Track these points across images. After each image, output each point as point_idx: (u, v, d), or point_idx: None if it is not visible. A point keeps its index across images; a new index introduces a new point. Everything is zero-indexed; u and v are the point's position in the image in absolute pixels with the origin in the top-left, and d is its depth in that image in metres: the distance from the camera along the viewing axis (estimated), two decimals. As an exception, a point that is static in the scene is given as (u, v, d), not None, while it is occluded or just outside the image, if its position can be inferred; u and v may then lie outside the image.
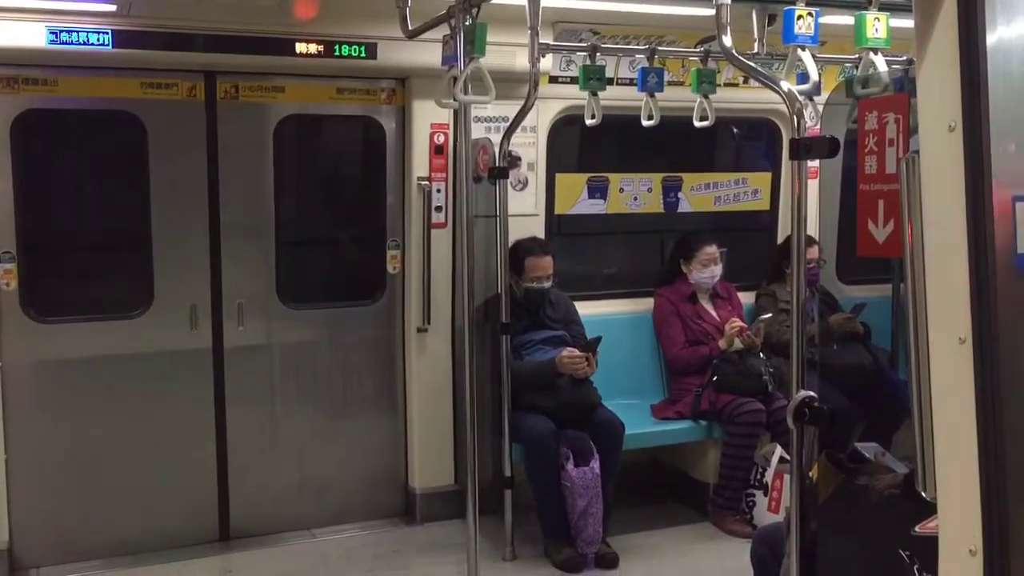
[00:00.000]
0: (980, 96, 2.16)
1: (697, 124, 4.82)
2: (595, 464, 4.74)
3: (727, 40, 3.17)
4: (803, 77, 3.58)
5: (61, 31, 4.27)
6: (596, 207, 5.74)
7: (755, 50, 4.66)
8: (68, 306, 4.86)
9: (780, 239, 6.09)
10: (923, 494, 2.31)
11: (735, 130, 6.29)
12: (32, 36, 4.26)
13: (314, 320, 5.25)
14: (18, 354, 4.64)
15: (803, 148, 2.89)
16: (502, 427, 4.80)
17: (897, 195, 2.61)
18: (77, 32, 4.30)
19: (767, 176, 6.15)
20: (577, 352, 4.82)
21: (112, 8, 4.33)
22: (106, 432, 4.84)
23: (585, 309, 5.46)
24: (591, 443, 4.79)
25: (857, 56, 3.76)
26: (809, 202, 5.57)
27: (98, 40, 4.34)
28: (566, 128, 5.52)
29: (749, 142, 6.35)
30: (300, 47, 4.72)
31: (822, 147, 2.86)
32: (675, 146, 5.81)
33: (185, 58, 4.62)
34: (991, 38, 2.16)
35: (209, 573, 4.85)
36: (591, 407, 4.93)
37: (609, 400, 5.09)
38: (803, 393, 2.98)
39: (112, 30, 4.37)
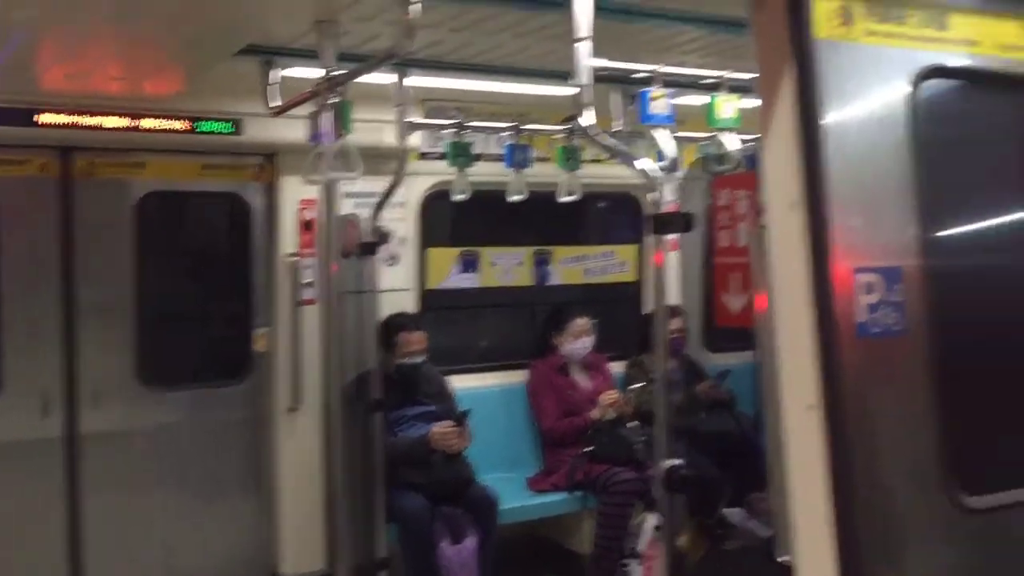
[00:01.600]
0: (819, 174, 2.29)
1: (562, 199, 4.93)
2: (471, 541, 4.67)
3: (586, 119, 3.27)
4: (660, 155, 3.73)
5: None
6: (468, 281, 5.77)
7: (616, 128, 4.85)
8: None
9: (647, 310, 6.24)
10: (779, 559, 2.37)
11: (602, 204, 6.46)
12: None
13: (177, 402, 5.05)
14: None
15: (661, 223, 2.99)
16: (375, 506, 4.69)
17: (749, 268, 2.72)
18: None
19: (633, 248, 6.32)
20: (449, 426, 4.79)
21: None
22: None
23: (459, 383, 5.45)
24: (466, 519, 4.73)
25: (713, 134, 3.95)
26: (672, 273, 5.80)
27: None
28: (437, 203, 5.56)
29: (616, 216, 6.53)
30: (161, 123, 4.63)
31: (679, 222, 2.96)
32: (545, 220, 5.92)
33: (37, 134, 4.46)
34: (828, 120, 2.30)
35: None
36: (466, 482, 4.88)
37: (485, 474, 5.06)
38: (671, 461, 3.02)
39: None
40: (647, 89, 3.49)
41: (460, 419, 4.83)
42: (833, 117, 2.30)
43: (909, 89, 2.38)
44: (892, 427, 2.34)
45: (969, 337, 2.43)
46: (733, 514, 4.58)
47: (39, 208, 4.66)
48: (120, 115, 4.56)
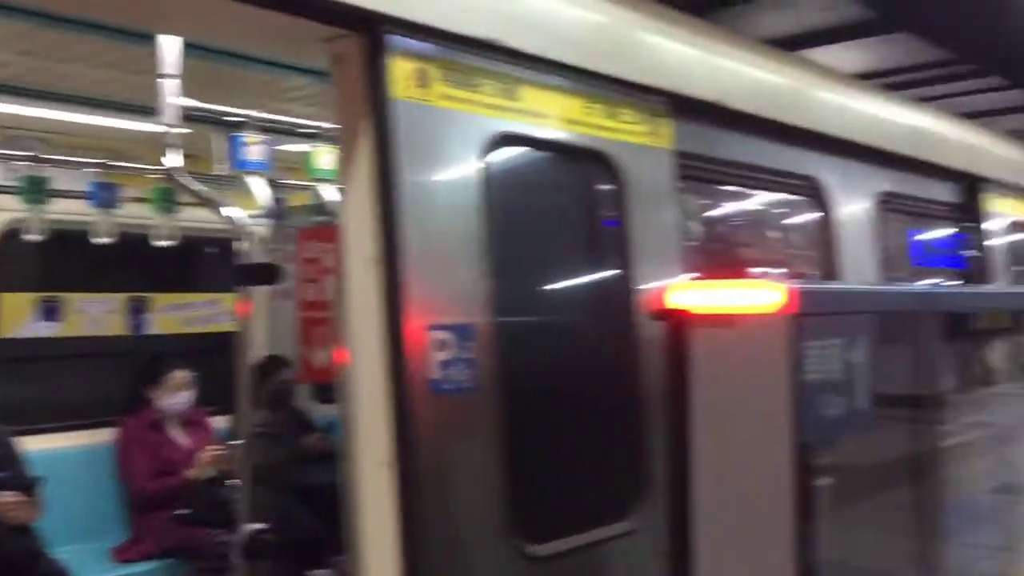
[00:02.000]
0: (396, 232, 2.31)
1: (157, 244, 4.61)
2: (36, 625, 4.13)
3: (171, 161, 3.07)
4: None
5: None
6: (49, 329, 5.19)
7: (217, 171, 4.63)
8: None
9: (253, 361, 6.01)
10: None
11: (209, 250, 6.15)
12: None
13: None
14: None
15: (245, 274, 2.86)
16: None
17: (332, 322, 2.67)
18: None
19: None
20: (14, 496, 4.22)
21: None
22: None
23: (36, 444, 4.84)
24: (32, 600, 4.18)
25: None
26: (258, 323, 5.58)
27: None
28: (14, 243, 4.94)
29: (223, 262, 6.24)
30: None
31: (264, 274, 2.86)
32: (143, 265, 5.50)
33: None
34: (406, 178, 2.32)
35: None
36: (32, 557, 4.31)
37: (61, 546, 4.51)
38: (252, 526, 2.87)
39: None
40: (239, 134, 3.36)
41: (29, 487, 4.28)
42: (411, 175, 2.33)
43: (482, 153, 2.49)
44: (463, 481, 2.39)
45: (534, 392, 2.57)
46: (326, 573, 4.48)
47: None
48: None
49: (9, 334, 5.05)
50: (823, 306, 2.23)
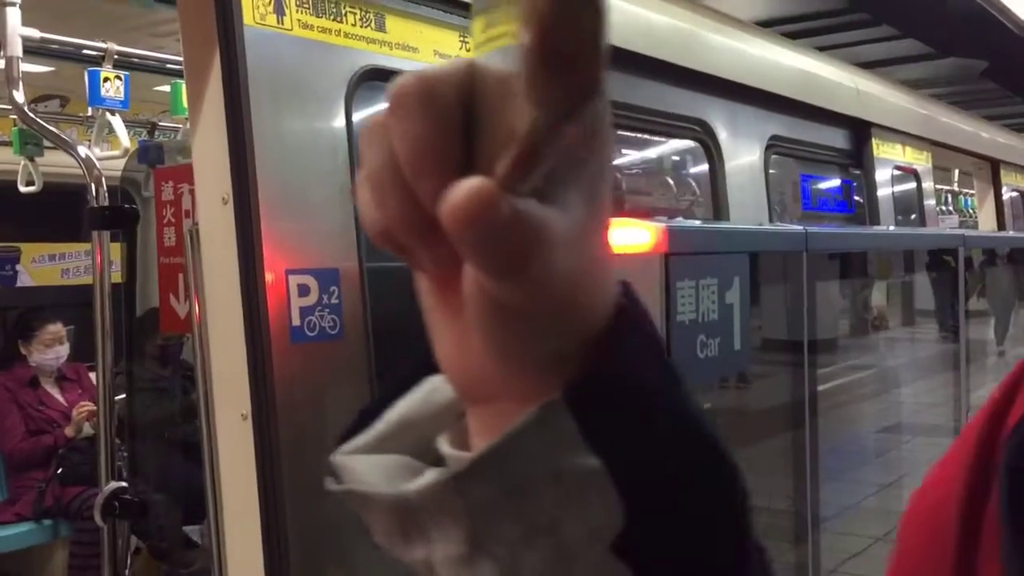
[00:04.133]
0: (250, 170, 2.16)
1: (23, 190, 4.32)
2: None
3: (18, 96, 2.85)
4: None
5: None
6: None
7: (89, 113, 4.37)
8: None
9: (138, 313, 5.76)
10: (211, 580, 2.21)
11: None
12: None
13: None
14: None
15: (98, 218, 2.68)
16: None
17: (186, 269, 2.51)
18: None
19: (123, 247, 5.79)
20: None
21: None
22: None
23: None
24: None
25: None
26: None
27: None
28: None
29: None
30: None
31: (117, 218, 2.68)
32: (11, 213, 5.19)
33: None
34: (260, 114, 2.17)
35: None
36: None
37: (-74, 511, 4.28)
38: (112, 485, 2.72)
39: None
40: (97, 69, 3.14)
41: None
42: (266, 111, 2.18)
43: (346, 88, 2.35)
44: (329, 432, 2.29)
45: (404, 339, 2.48)
46: (195, 531, 4.34)
47: None
48: None
49: None
50: (695, 246, 2.18)
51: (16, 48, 2.76)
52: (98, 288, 2.76)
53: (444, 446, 0.45)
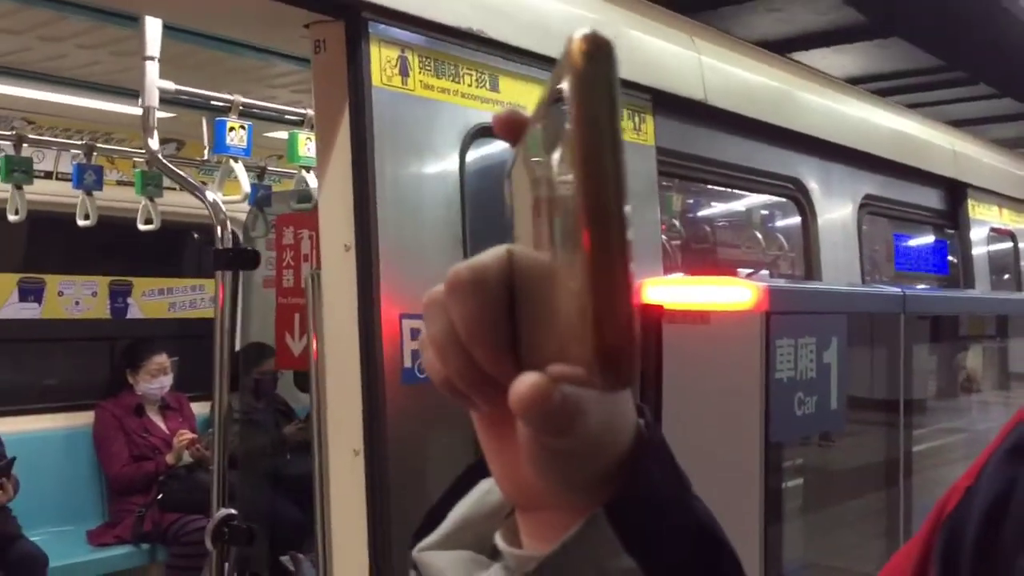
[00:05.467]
0: (371, 220, 2.30)
1: (142, 228, 4.59)
2: (8, 607, 4.12)
3: (153, 143, 3.05)
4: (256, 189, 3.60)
5: None
6: (29, 311, 5.17)
7: (207, 156, 4.62)
8: None
9: (237, 347, 6.00)
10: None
11: (195, 235, 6.14)
12: None
13: None
14: None
15: (224, 259, 2.85)
16: None
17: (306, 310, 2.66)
18: None
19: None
20: (-14, 478, 4.21)
21: None
22: None
23: (11, 427, 4.83)
24: (5, 582, 4.17)
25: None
26: (255, 310, 5.58)
27: None
28: (-3, 223, 4.92)
29: (208, 248, 6.23)
30: None
31: (242, 259, 2.85)
32: (126, 249, 5.48)
33: None
34: (383, 167, 2.32)
35: None
36: (8, 540, 4.30)
37: (35, 530, 4.50)
38: (222, 512, 2.86)
39: None
40: (223, 119, 3.35)
41: (3, 470, 4.26)
42: (388, 164, 2.33)
43: (460, 144, 2.48)
44: (435, 470, 2.39)
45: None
46: (294, 561, 4.47)
47: None
48: None
49: (-12, 314, 5.03)
50: (795, 305, 2.24)
51: (153, 99, 2.98)
52: (219, 324, 2.92)
53: (501, 543, 0.57)
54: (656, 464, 0.55)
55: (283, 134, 4.38)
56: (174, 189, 4.85)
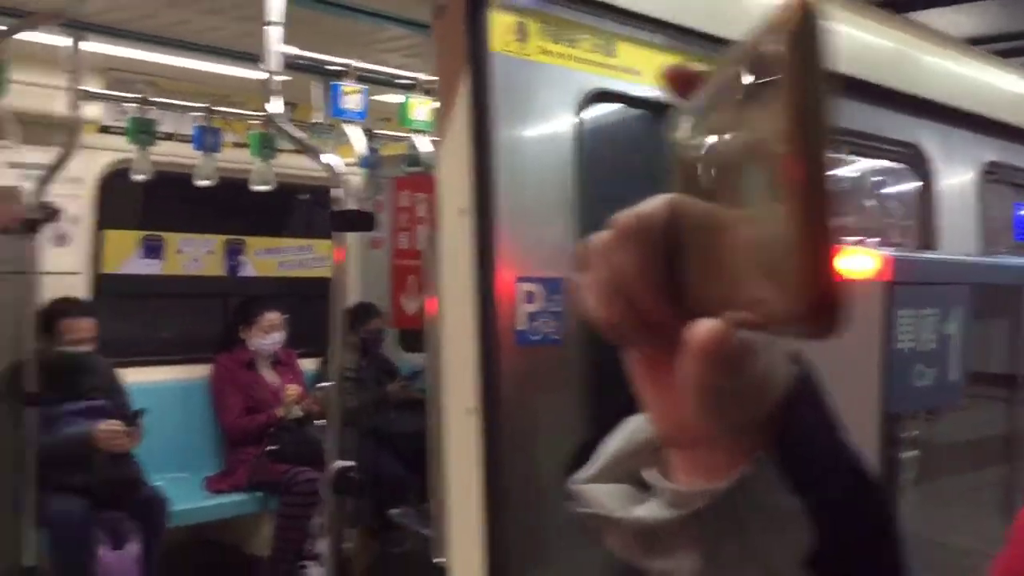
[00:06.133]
0: (489, 184, 2.34)
1: (255, 188, 4.75)
2: (133, 546, 4.36)
3: (273, 107, 3.15)
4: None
5: None
6: (151, 267, 5.41)
7: (316, 120, 4.73)
8: None
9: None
10: (435, 560, 2.39)
11: (303, 196, 6.30)
12: None
13: None
14: None
15: (342, 221, 2.94)
16: (23, 510, 4.25)
17: (423, 271, 2.72)
18: None
19: (330, 243, 6.21)
20: (116, 425, 4.44)
21: None
22: None
23: (136, 376, 5.08)
24: (130, 523, 4.42)
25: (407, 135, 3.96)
26: (352, 271, 5.72)
27: None
28: (121, 182, 5.15)
29: (317, 209, 6.39)
30: None
31: (360, 221, 2.93)
32: (240, 208, 5.67)
33: None
34: (501, 131, 2.35)
35: None
36: (132, 484, 4.55)
37: (158, 474, 4.75)
38: (340, 463, 2.97)
39: None
40: (339, 83, 3.43)
41: (132, 418, 4.50)
42: (505, 129, 2.36)
43: (576, 108, 2.50)
44: (547, 432, 2.44)
45: (616, 349, 2.60)
46: (401, 515, 4.60)
47: None
48: None
49: (113, 270, 5.28)
50: (918, 275, 2.19)
51: (276, 63, 3.07)
52: (335, 283, 3.02)
53: (659, 480, 0.60)
54: (812, 406, 0.58)
55: (390, 98, 4.46)
56: (286, 151, 5.00)
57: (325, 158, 3.08)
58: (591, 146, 2.51)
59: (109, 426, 4.42)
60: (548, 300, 2.40)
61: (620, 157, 2.71)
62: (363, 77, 3.57)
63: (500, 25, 2.33)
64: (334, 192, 3.00)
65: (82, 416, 4.52)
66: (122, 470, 4.52)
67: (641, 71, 2.65)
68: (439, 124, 2.42)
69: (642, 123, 2.74)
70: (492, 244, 2.32)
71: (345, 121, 3.44)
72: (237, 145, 5.15)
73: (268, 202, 5.55)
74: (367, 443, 5.21)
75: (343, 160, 3.51)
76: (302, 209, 6.44)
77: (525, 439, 2.42)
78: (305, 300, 6.09)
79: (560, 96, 2.47)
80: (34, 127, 3.87)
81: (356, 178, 4.62)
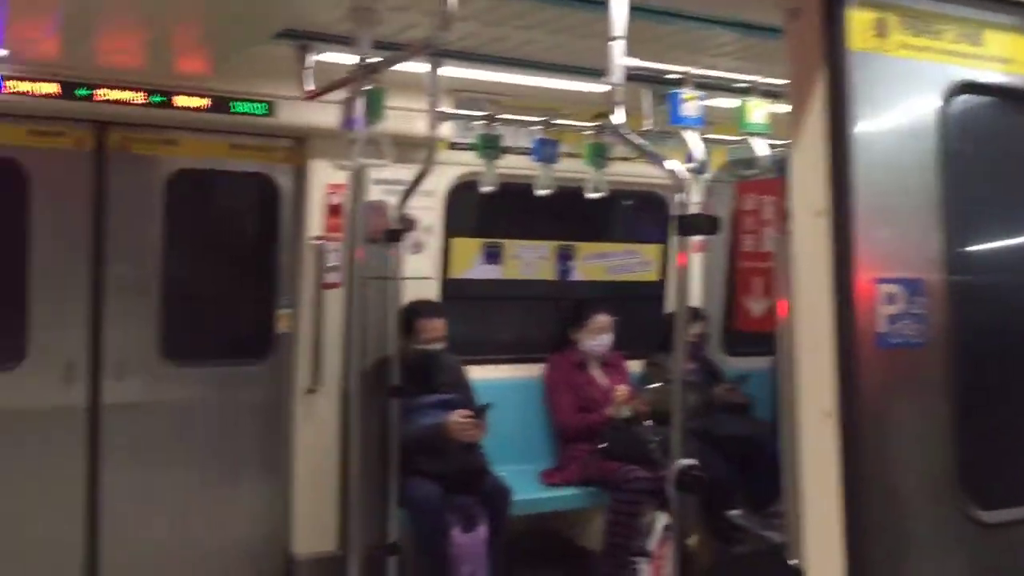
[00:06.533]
0: (847, 184, 2.31)
1: (589, 196, 4.95)
2: (483, 530, 4.72)
3: (617, 118, 3.28)
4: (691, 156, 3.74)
5: (-54, 74, 4.15)
6: (491, 272, 5.81)
7: (645, 128, 4.85)
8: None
9: (668, 310, 6.26)
10: (790, 562, 2.39)
11: (628, 202, 6.47)
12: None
13: (199, 379, 5.11)
14: None
15: (687, 225, 3.00)
16: (388, 492, 4.73)
17: (772, 273, 2.72)
18: (-39, 76, 4.18)
19: (657, 248, 6.34)
20: (467, 415, 4.82)
21: (4, 53, 4.22)
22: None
23: (476, 373, 5.49)
24: (479, 509, 4.78)
25: (742, 138, 3.96)
26: (695, 275, 5.80)
27: (-13, 84, 4.23)
28: (464, 193, 5.59)
29: (641, 215, 6.54)
30: (194, 101, 4.68)
31: (705, 224, 2.98)
32: (570, 216, 5.94)
33: (73, 107, 4.51)
34: (858, 130, 2.31)
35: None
36: (480, 472, 4.91)
37: (498, 466, 5.09)
38: (684, 461, 3.04)
39: (2, 75, 4.27)
40: (678, 91, 3.50)
41: (480, 411, 4.87)
42: (863, 127, 2.31)
43: (940, 103, 2.39)
44: (908, 437, 2.35)
45: (988, 351, 2.45)
46: (743, 518, 4.58)
47: (73, 179, 4.73)
48: (154, 92, 4.61)
49: (458, 275, 5.73)
50: None
51: (620, 76, 3.20)
52: (680, 287, 3.10)
53: None
54: None
55: (717, 103, 4.48)
56: (613, 159, 5.17)
57: (668, 164, 3.16)
58: (957, 142, 2.39)
59: (461, 416, 4.81)
60: (910, 302, 2.32)
61: (990, 153, 2.56)
62: (699, 83, 3.62)
63: (858, 22, 2.29)
64: (678, 197, 3.08)
65: (436, 408, 4.96)
66: (471, 459, 4.90)
67: (1013, 59, 2.48)
68: (792, 125, 2.41)
69: (1013, 115, 2.57)
70: (850, 245, 2.28)
71: (683, 128, 3.50)
72: (566, 155, 5.40)
73: (594, 209, 5.77)
74: (694, 445, 5.25)
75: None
76: (626, 215, 6.61)
77: (885, 443, 2.35)
78: (628, 303, 6.26)
79: (922, 91, 2.38)
80: (399, 147, 4.31)
81: (697, 183, 4.69)
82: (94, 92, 4.50)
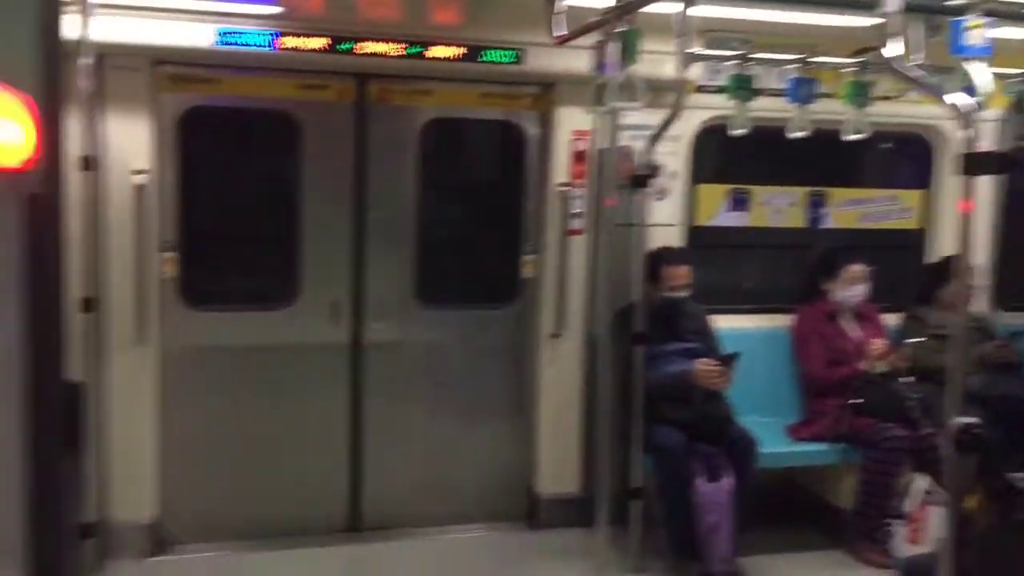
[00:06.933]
0: None
1: (848, 138, 4.67)
2: (727, 481, 4.64)
3: (891, 51, 3.06)
4: (968, 91, 3.42)
5: (229, 32, 4.47)
6: (737, 219, 5.65)
7: (915, 62, 4.49)
8: (219, 296, 5.08)
9: (930, 260, 5.84)
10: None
11: (886, 145, 6.06)
12: (203, 37, 4.47)
13: (449, 321, 5.32)
14: (173, 338, 4.88)
15: (973, 163, 2.76)
16: (631, 438, 4.75)
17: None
18: (243, 34, 4.50)
19: (918, 194, 5.91)
20: (713, 363, 4.74)
21: (277, 10, 4.51)
22: (250, 418, 5.04)
23: (721, 323, 5.37)
24: (723, 459, 4.70)
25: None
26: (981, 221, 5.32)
27: (261, 41, 4.53)
28: (709, 138, 5.44)
29: (901, 158, 6.11)
30: (445, 51, 4.79)
31: (994, 163, 2.73)
32: (821, 160, 5.65)
33: (339, 61, 4.75)
34: None
35: (339, 562, 4.99)
36: (724, 422, 4.83)
37: (742, 416, 4.98)
38: (963, 419, 2.83)
39: (273, 33, 4.56)
40: (960, 18, 3.21)
41: (727, 360, 4.76)
42: None
43: None
44: None
45: None
46: (1020, 480, 4.23)
47: (337, 130, 5.01)
48: (411, 43, 4.77)
49: (703, 222, 5.60)
50: None
51: (896, 5, 2.98)
52: (962, 235, 2.85)
53: None
54: None
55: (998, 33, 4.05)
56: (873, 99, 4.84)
57: (950, 98, 2.91)
58: None
59: (707, 364, 4.73)
60: None
61: None
62: (986, 10, 3.29)
63: None
64: (963, 134, 2.83)
65: (680, 356, 4.90)
66: (716, 408, 4.82)
67: None
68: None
69: None
70: None
71: (967, 58, 3.20)
72: (822, 96, 5.11)
73: (849, 153, 5.45)
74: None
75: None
76: (883, 158, 6.20)
77: None
78: (883, 253, 5.89)
79: None
80: (647, 91, 4.23)
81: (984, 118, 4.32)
82: (355, 45, 4.71)
